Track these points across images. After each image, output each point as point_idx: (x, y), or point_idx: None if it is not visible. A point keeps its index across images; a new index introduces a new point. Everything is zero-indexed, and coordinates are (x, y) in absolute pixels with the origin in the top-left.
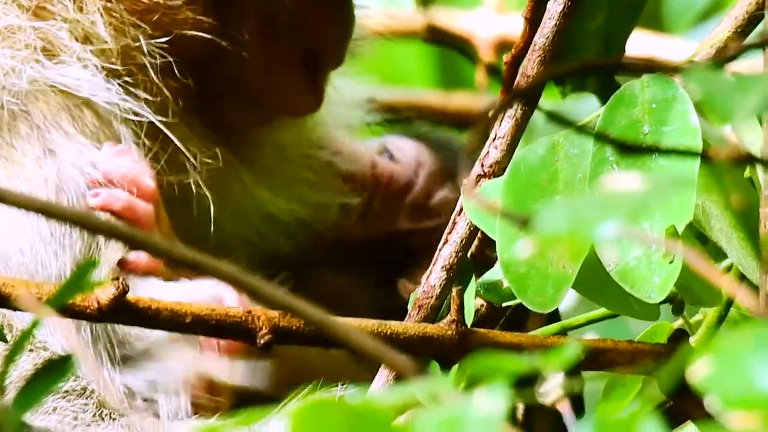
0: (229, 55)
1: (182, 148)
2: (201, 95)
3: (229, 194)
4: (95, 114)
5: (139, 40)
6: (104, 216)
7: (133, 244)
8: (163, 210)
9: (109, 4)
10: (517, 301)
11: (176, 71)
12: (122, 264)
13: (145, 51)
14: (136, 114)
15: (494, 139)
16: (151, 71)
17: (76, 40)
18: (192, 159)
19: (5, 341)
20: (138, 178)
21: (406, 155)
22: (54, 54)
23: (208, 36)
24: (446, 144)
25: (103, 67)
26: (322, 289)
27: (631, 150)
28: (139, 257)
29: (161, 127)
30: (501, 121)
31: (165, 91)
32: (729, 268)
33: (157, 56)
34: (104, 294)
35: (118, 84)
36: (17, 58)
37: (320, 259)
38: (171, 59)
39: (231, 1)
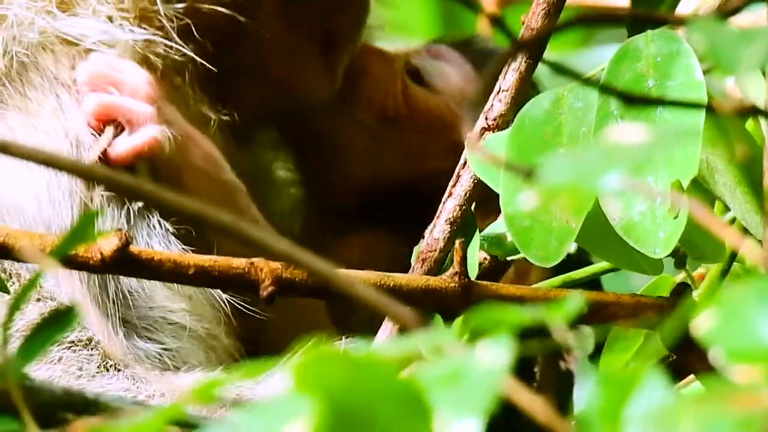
0: (247, 31)
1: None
2: (217, 71)
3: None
4: None
5: (157, 4)
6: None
7: (136, 196)
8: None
9: None
10: (521, 255)
11: (195, 36)
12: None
13: (163, 14)
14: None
15: (498, 92)
16: (169, 33)
17: None
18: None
19: (7, 292)
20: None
21: (450, 82)
22: (69, 6)
23: (225, 10)
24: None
25: (118, 21)
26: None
27: (635, 102)
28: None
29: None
30: (505, 74)
31: (180, 57)
32: (732, 222)
33: (175, 20)
34: (107, 245)
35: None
36: (32, 9)
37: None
38: (190, 23)
39: None
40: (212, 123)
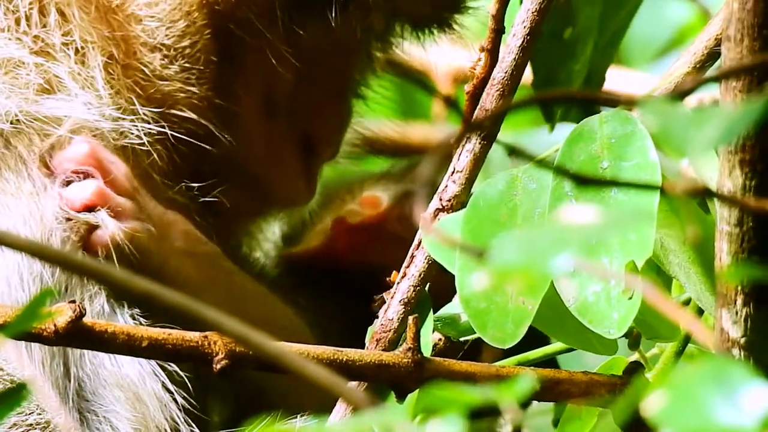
0: (226, 134)
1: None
2: (194, 174)
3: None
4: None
5: (134, 104)
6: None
7: (118, 288)
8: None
9: (109, 62)
10: (475, 335)
11: (170, 142)
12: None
13: (140, 114)
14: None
15: (453, 173)
16: (144, 137)
17: (75, 83)
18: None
19: None
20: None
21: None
22: (51, 91)
23: (201, 119)
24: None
25: (96, 108)
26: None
27: (589, 183)
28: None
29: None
30: (459, 155)
31: (156, 155)
32: (687, 302)
33: (152, 122)
34: (61, 318)
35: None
36: (13, 94)
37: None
38: (166, 129)
39: (233, 80)
40: (184, 204)
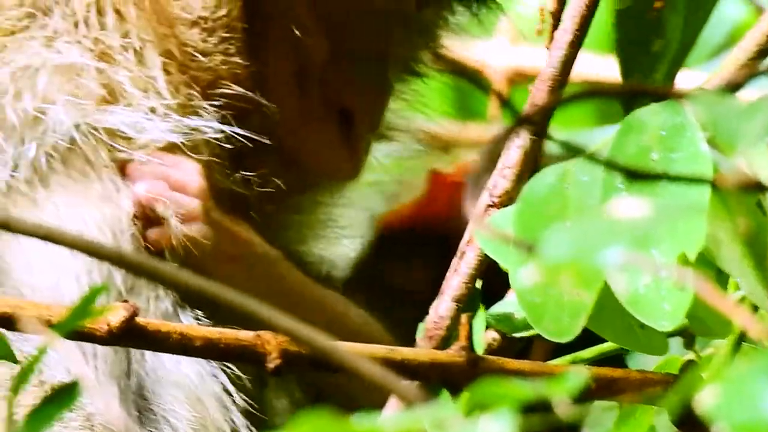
0: (265, 109)
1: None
2: (244, 152)
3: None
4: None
5: (193, 99)
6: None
7: (173, 285)
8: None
9: (167, 61)
10: (530, 332)
11: (227, 132)
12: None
13: (200, 108)
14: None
15: (503, 169)
16: (206, 131)
17: (137, 89)
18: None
19: (16, 362)
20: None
21: None
22: (114, 100)
23: (243, 89)
24: None
25: (161, 112)
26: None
27: (640, 177)
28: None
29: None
30: (509, 150)
31: (214, 140)
32: (743, 300)
33: (210, 114)
34: (115, 317)
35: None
36: (76, 102)
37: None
38: (223, 120)
39: (266, 51)
40: (242, 199)
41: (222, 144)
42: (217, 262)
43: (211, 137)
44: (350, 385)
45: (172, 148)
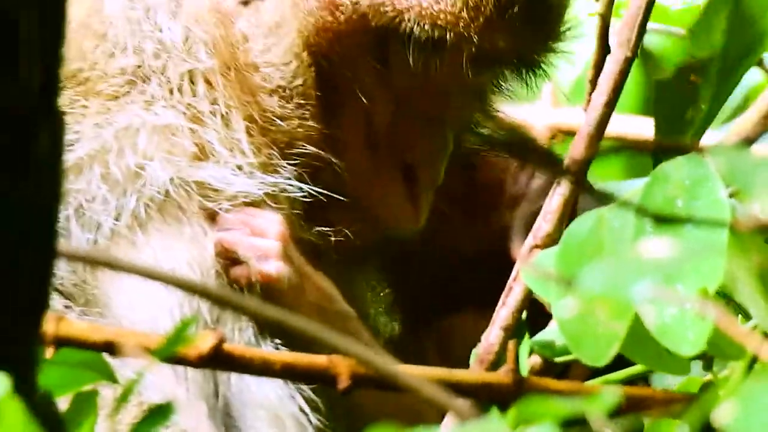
0: (336, 167)
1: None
2: (317, 206)
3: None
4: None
5: (273, 158)
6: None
7: (255, 316)
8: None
9: (250, 125)
10: (570, 357)
11: (303, 188)
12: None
13: (279, 166)
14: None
15: (545, 214)
16: (286, 187)
17: (224, 148)
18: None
19: (116, 382)
20: (258, 222)
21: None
22: (204, 157)
23: (319, 150)
24: None
25: (246, 170)
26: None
27: (666, 221)
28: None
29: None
30: (551, 197)
31: (293, 195)
32: (755, 328)
33: (289, 172)
34: (204, 343)
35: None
36: (171, 159)
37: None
38: (299, 177)
39: (337, 115)
40: (319, 252)
41: (299, 199)
42: (299, 307)
43: (289, 193)
44: (406, 404)
45: (257, 202)
